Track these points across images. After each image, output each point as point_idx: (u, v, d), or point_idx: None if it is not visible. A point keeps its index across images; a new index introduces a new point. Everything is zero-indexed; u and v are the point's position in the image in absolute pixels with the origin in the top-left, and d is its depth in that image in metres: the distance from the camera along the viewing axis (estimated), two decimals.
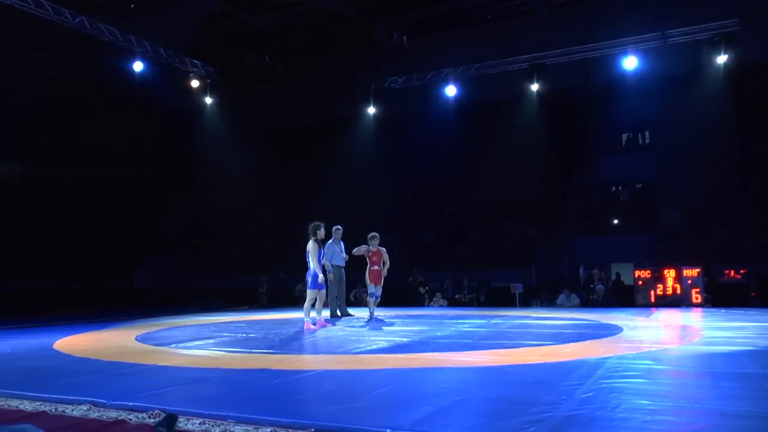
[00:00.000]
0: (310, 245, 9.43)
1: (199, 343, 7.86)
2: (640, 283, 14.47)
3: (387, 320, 10.79)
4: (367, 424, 3.65)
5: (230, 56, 18.10)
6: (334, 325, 10.07)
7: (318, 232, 9.52)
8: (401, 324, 10.11)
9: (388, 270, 11.04)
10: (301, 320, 10.87)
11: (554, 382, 4.76)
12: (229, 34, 18.04)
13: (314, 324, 9.44)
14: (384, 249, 11.01)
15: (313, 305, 9.52)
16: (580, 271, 17.31)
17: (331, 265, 11.12)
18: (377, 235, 10.92)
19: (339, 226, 11.37)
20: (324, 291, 9.78)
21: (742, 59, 14.92)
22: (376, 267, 10.79)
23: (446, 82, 17.20)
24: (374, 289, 10.86)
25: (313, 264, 9.38)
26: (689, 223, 18.19)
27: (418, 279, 17.88)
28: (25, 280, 20.10)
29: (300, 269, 20.13)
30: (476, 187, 22.12)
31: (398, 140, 21.65)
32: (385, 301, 16.96)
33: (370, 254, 10.79)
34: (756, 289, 14.62)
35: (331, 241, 11.15)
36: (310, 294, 9.47)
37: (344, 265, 11.47)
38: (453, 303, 16.80)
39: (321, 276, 9.37)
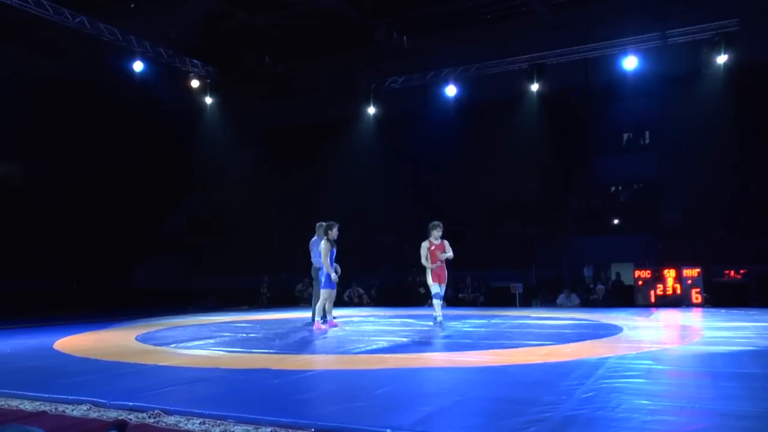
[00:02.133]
0: (322, 245, 9.39)
1: (199, 343, 7.87)
2: (640, 283, 14.49)
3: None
4: (367, 424, 3.65)
5: (230, 56, 18.09)
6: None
7: (330, 232, 9.44)
8: (401, 324, 10.10)
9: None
10: (302, 320, 10.89)
11: (554, 382, 4.76)
12: (229, 34, 18.02)
13: (324, 324, 9.42)
14: (447, 241, 9.62)
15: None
16: (584, 271, 17.31)
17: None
18: (440, 224, 9.61)
19: (323, 222, 10.86)
20: (335, 291, 9.71)
21: (742, 59, 14.91)
22: (439, 263, 9.51)
23: (446, 82, 17.20)
24: (439, 289, 9.54)
25: (324, 263, 9.33)
26: (689, 223, 18.19)
27: (418, 279, 17.88)
28: (25, 280, 20.09)
29: (300, 269, 20.14)
30: (476, 187, 22.11)
31: (398, 140, 21.64)
32: (386, 301, 17.04)
33: (432, 248, 9.50)
34: (756, 289, 14.61)
35: (315, 238, 10.74)
36: (323, 293, 9.43)
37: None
38: (455, 302, 16.80)
39: (334, 275, 9.31)
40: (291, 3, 16.47)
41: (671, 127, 19.73)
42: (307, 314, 11.12)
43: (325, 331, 9.15)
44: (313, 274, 10.68)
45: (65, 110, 20.95)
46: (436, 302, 9.62)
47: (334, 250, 9.54)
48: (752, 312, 11.58)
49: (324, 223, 9.97)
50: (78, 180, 21.96)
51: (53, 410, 4.24)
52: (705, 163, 18.63)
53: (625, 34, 15.35)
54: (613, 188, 21.48)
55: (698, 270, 14.01)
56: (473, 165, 22.11)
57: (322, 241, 9.44)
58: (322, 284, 9.45)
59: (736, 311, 11.83)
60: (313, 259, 10.60)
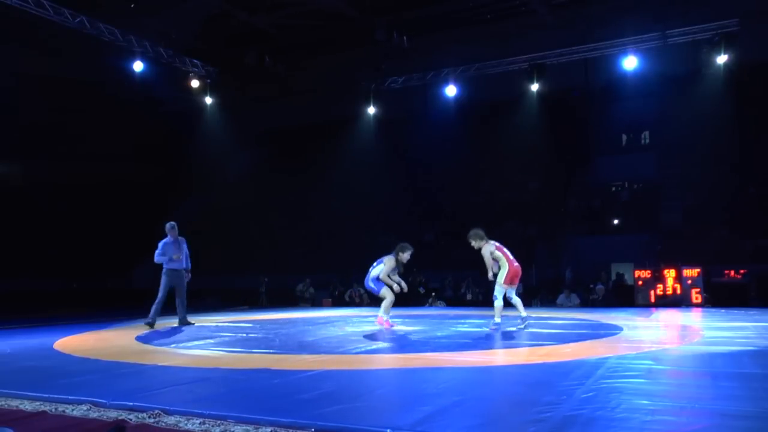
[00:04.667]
0: (389, 262, 9.25)
1: (199, 343, 7.87)
2: (640, 283, 14.49)
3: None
4: (367, 424, 3.64)
5: (230, 56, 18.09)
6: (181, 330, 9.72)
7: (402, 254, 9.32)
8: (401, 324, 10.10)
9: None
10: (299, 320, 10.92)
11: (554, 382, 4.76)
12: (229, 34, 18.02)
13: (388, 324, 9.36)
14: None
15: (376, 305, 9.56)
16: (566, 273, 17.33)
17: (171, 269, 10.18)
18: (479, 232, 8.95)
19: (174, 222, 10.42)
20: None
21: (742, 59, 14.91)
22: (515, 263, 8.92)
23: (446, 82, 17.20)
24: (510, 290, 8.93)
25: (384, 279, 9.29)
26: (689, 223, 18.19)
27: (418, 279, 17.87)
28: (25, 280, 20.08)
29: (300, 269, 20.07)
30: (476, 187, 22.12)
31: (398, 140, 21.64)
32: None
33: (502, 250, 9.01)
34: (756, 289, 14.61)
35: (169, 240, 10.23)
36: (387, 294, 9.32)
37: (184, 267, 10.41)
38: (456, 302, 16.81)
39: (396, 287, 9.33)
40: (291, 3, 16.47)
41: (671, 127, 19.73)
42: (306, 314, 11.12)
43: (391, 329, 9.08)
44: (179, 275, 10.29)
45: (65, 110, 20.95)
46: (518, 303, 8.91)
47: (398, 269, 9.43)
48: (752, 312, 11.58)
49: (172, 224, 10.23)
50: (78, 180, 21.97)
51: (53, 410, 4.24)
52: (705, 163, 18.63)
53: (625, 34, 15.35)
54: (613, 188, 21.48)
55: (698, 270, 14.01)
56: (473, 165, 22.12)
57: (390, 259, 9.27)
58: (380, 289, 9.36)
59: (736, 311, 11.83)
60: (157, 258, 10.19)
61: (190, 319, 10.80)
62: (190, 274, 10.58)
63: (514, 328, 8.86)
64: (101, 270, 21.62)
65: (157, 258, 10.22)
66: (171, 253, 10.18)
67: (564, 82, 17.79)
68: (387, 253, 9.63)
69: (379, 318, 9.38)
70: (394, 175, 22.61)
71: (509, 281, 8.83)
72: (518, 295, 8.91)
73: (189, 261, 10.56)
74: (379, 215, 21.86)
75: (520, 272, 8.98)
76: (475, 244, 9.02)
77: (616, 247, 18.06)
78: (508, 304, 9.00)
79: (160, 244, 10.27)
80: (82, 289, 21.05)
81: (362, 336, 8.48)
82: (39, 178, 21.78)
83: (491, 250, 8.89)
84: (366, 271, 9.74)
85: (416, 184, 23.11)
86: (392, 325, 9.43)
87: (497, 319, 8.78)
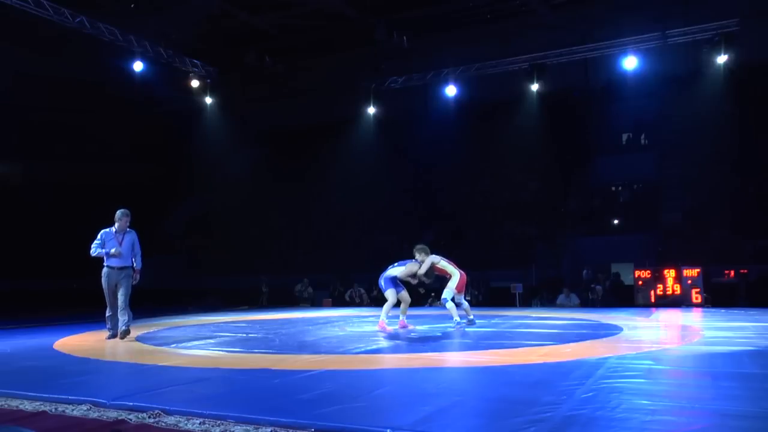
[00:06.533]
0: (412, 265, 9.23)
1: (199, 343, 7.87)
2: (640, 283, 14.51)
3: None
4: (367, 424, 3.64)
5: (230, 56, 18.10)
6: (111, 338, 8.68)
7: (418, 255, 9.27)
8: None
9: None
10: (299, 320, 10.91)
11: (554, 382, 4.76)
12: (229, 34, 18.02)
13: (389, 325, 9.22)
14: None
15: (395, 306, 9.42)
16: (584, 273, 17.31)
17: (116, 268, 8.73)
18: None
19: (127, 210, 9.05)
20: (403, 293, 9.45)
21: (742, 59, 14.93)
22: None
23: (446, 82, 17.21)
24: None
25: (403, 272, 9.23)
26: (689, 223, 18.20)
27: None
28: (25, 280, 20.05)
29: (300, 269, 20.07)
30: (476, 187, 22.11)
31: (398, 140, 21.63)
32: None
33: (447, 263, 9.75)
34: (756, 289, 14.60)
35: (110, 231, 8.82)
36: (390, 296, 9.20)
37: (129, 265, 8.83)
38: (455, 302, 16.79)
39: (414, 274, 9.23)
40: (291, 3, 16.47)
41: (671, 127, 19.73)
42: (306, 314, 11.10)
43: (386, 329, 8.95)
44: (120, 274, 8.84)
45: (65, 110, 20.93)
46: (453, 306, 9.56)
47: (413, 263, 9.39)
48: (752, 312, 11.58)
49: (125, 211, 8.93)
50: (78, 180, 21.93)
51: (53, 410, 4.23)
52: (705, 163, 18.62)
53: (625, 34, 15.36)
54: (613, 188, 21.48)
55: (698, 270, 14.02)
56: (473, 165, 22.10)
57: (413, 264, 9.25)
58: (387, 286, 9.27)
59: (736, 311, 11.84)
60: (94, 252, 8.98)
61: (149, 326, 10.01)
62: (138, 275, 8.93)
63: (471, 329, 9.11)
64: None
65: (94, 251, 8.63)
66: (110, 246, 8.55)
67: (564, 82, 17.80)
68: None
69: (380, 322, 9.13)
70: (394, 175, 22.60)
71: (461, 288, 9.65)
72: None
73: (140, 260, 8.95)
74: (379, 215, 21.86)
75: (466, 280, 9.79)
76: (419, 257, 9.47)
77: (616, 247, 18.07)
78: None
79: (99, 234, 8.69)
80: (81, 289, 21.01)
81: (362, 336, 8.48)
82: (39, 178, 21.75)
83: (434, 261, 9.45)
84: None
85: (416, 184, 23.10)
86: (386, 327, 9.17)
87: (456, 318, 9.39)
